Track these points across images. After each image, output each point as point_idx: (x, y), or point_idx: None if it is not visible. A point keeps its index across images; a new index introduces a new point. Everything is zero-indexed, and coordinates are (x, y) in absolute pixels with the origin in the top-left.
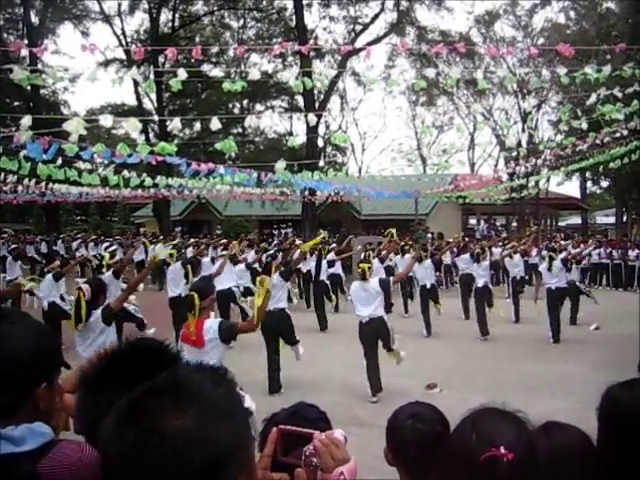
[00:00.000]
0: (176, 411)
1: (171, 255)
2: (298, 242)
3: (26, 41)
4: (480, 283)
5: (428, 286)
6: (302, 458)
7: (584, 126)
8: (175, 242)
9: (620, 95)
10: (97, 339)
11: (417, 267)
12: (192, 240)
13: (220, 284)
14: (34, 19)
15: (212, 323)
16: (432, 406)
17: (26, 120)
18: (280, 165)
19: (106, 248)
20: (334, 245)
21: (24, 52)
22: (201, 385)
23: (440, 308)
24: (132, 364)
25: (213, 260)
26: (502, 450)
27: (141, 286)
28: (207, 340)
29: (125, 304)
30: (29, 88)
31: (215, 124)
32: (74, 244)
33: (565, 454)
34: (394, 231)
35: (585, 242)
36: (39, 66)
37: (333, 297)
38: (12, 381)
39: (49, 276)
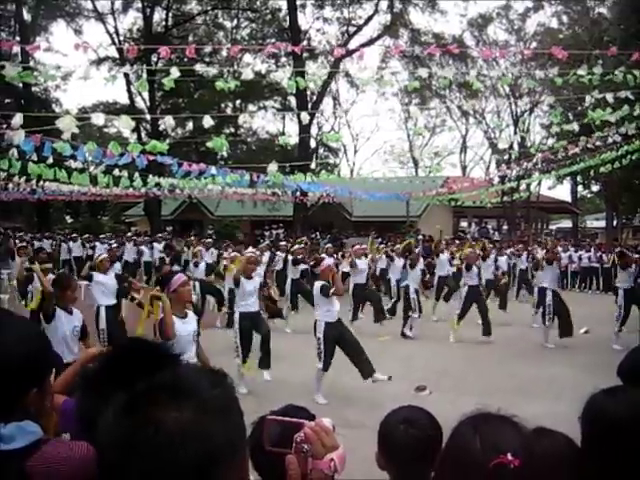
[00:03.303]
0: (173, 405)
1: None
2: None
3: (18, 38)
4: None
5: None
6: (293, 445)
7: (575, 127)
8: None
9: (612, 100)
10: None
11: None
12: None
13: None
14: (26, 16)
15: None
16: (424, 410)
17: (17, 119)
18: (272, 167)
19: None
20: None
21: (16, 49)
22: (199, 383)
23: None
24: (131, 365)
25: None
26: (509, 457)
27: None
28: None
29: None
30: (21, 85)
31: (208, 121)
32: (74, 244)
33: (551, 460)
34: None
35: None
36: (31, 63)
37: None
38: (1, 389)
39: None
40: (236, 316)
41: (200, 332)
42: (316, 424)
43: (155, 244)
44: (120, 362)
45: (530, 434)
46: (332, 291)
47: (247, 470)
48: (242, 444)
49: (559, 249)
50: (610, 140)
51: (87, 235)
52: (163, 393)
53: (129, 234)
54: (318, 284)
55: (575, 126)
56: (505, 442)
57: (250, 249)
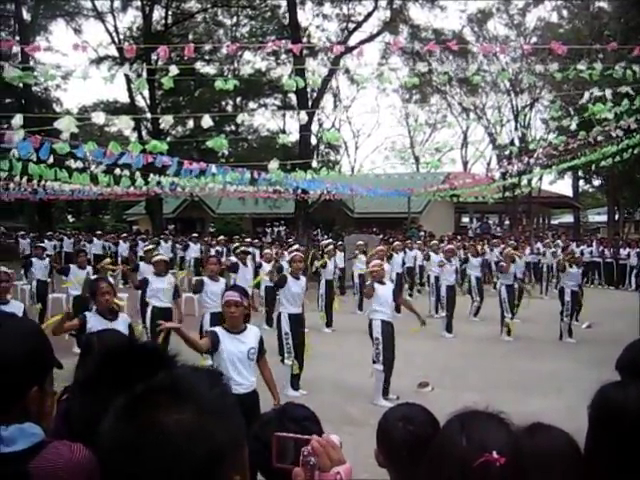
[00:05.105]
0: (174, 407)
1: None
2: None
3: (18, 38)
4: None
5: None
6: (300, 458)
7: (573, 127)
8: None
9: (611, 96)
10: None
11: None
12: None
13: None
14: (26, 16)
15: None
16: (422, 407)
17: (17, 120)
18: (273, 165)
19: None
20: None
21: (16, 49)
22: (198, 385)
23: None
24: (128, 365)
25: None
26: (495, 455)
27: None
28: None
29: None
30: (21, 85)
31: (207, 122)
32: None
33: (548, 456)
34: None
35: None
36: (31, 63)
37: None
38: (1, 386)
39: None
40: (284, 318)
41: (264, 350)
42: (323, 438)
43: (191, 244)
44: (115, 364)
45: (520, 431)
46: (365, 291)
47: (247, 466)
48: (242, 441)
49: (574, 248)
50: (611, 134)
51: (112, 235)
52: (163, 395)
53: (166, 232)
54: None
55: (574, 124)
56: (491, 440)
57: (295, 246)
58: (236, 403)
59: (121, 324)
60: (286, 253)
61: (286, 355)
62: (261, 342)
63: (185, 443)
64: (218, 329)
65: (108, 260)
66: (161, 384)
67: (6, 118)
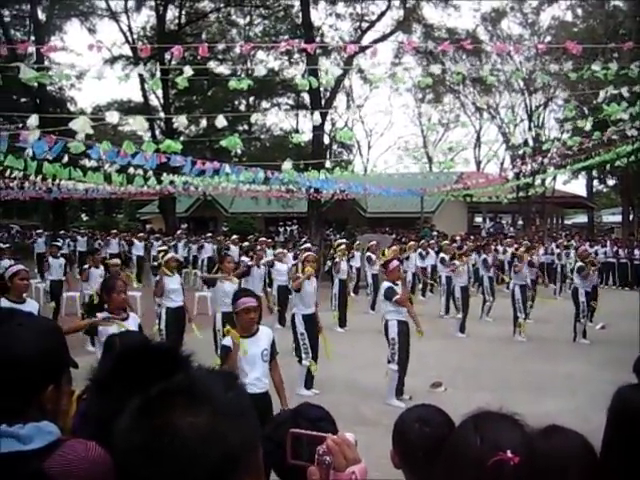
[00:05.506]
0: (189, 410)
1: None
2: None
3: (33, 37)
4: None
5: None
6: (315, 457)
7: (587, 127)
8: None
9: (627, 95)
10: None
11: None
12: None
13: None
14: (41, 16)
15: None
16: (438, 409)
17: (33, 120)
18: (287, 165)
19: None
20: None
21: (31, 49)
22: (213, 387)
23: None
24: (143, 366)
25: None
26: (509, 454)
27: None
28: None
29: None
30: (36, 85)
31: (221, 122)
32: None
33: (564, 458)
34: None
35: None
36: (46, 63)
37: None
38: (19, 384)
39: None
40: (299, 319)
41: (276, 352)
42: (338, 437)
43: (205, 244)
44: (131, 364)
45: (535, 433)
46: (396, 298)
47: (262, 469)
48: (257, 444)
49: (588, 249)
50: (626, 133)
51: (124, 233)
52: (178, 398)
53: (179, 232)
54: (385, 284)
55: (588, 125)
56: (505, 440)
57: (307, 245)
58: (251, 405)
59: (132, 324)
60: (289, 255)
61: (304, 356)
62: (273, 344)
63: (199, 446)
64: (229, 341)
65: (117, 261)
66: (177, 386)
67: (21, 117)
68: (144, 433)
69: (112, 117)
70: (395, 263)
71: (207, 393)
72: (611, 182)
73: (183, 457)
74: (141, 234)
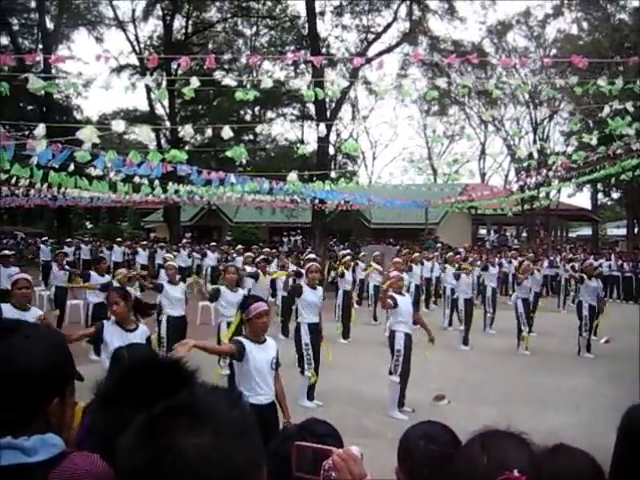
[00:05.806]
0: (193, 430)
1: None
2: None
3: (41, 46)
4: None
5: None
6: (321, 472)
7: (594, 142)
8: None
9: (632, 109)
10: None
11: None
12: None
13: None
14: (49, 25)
15: None
16: (444, 426)
17: (40, 129)
18: (292, 176)
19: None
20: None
21: (38, 58)
22: (217, 406)
23: None
24: (148, 381)
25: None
26: (516, 473)
27: None
28: None
29: None
30: (42, 93)
31: (227, 133)
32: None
33: (571, 478)
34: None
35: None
36: (53, 71)
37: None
38: (24, 396)
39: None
40: (304, 329)
41: (279, 363)
42: (344, 452)
43: (209, 252)
44: (137, 379)
45: (541, 451)
46: (385, 303)
47: None
48: (260, 462)
49: (592, 261)
50: (631, 147)
51: (129, 242)
52: (182, 417)
53: (184, 240)
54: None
55: (594, 139)
56: (512, 459)
57: (311, 255)
58: (255, 424)
59: (139, 336)
60: (292, 265)
61: (306, 367)
62: (277, 354)
63: (202, 467)
64: (242, 339)
65: (124, 271)
66: (180, 405)
67: (27, 125)
68: (147, 453)
69: (118, 126)
70: (395, 274)
71: (211, 412)
72: (616, 195)
73: (186, 478)
74: (145, 242)
